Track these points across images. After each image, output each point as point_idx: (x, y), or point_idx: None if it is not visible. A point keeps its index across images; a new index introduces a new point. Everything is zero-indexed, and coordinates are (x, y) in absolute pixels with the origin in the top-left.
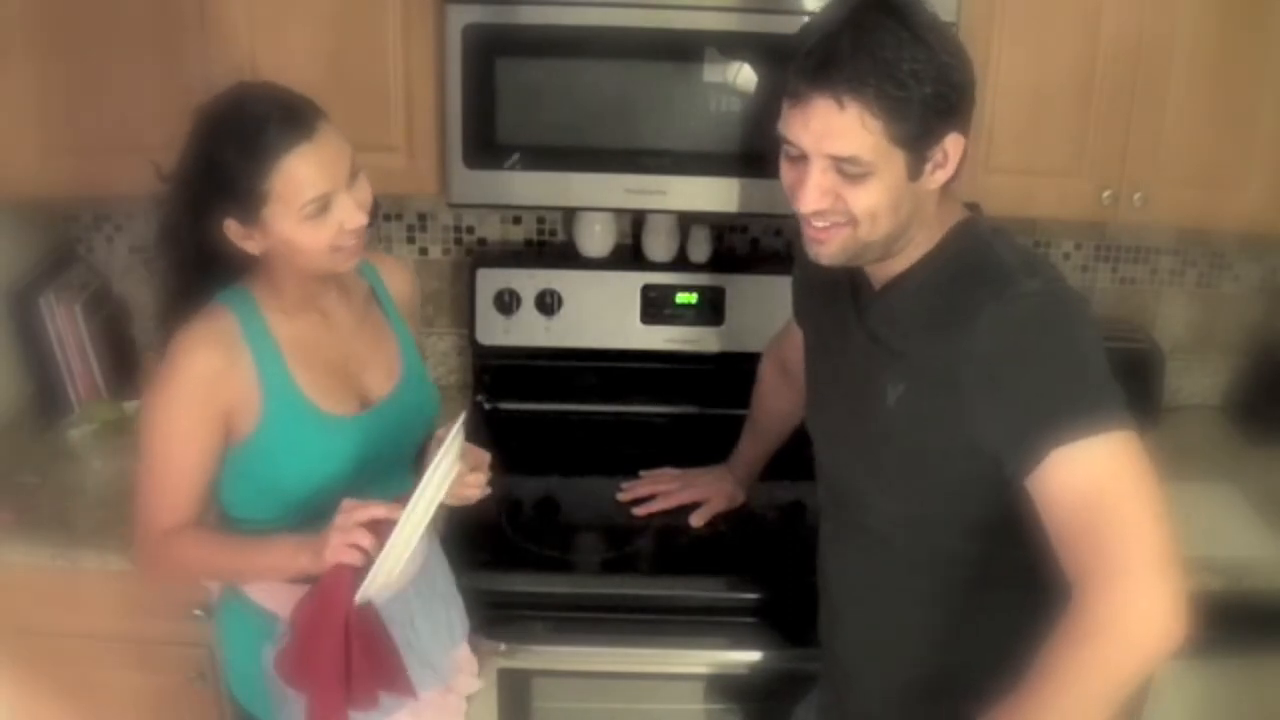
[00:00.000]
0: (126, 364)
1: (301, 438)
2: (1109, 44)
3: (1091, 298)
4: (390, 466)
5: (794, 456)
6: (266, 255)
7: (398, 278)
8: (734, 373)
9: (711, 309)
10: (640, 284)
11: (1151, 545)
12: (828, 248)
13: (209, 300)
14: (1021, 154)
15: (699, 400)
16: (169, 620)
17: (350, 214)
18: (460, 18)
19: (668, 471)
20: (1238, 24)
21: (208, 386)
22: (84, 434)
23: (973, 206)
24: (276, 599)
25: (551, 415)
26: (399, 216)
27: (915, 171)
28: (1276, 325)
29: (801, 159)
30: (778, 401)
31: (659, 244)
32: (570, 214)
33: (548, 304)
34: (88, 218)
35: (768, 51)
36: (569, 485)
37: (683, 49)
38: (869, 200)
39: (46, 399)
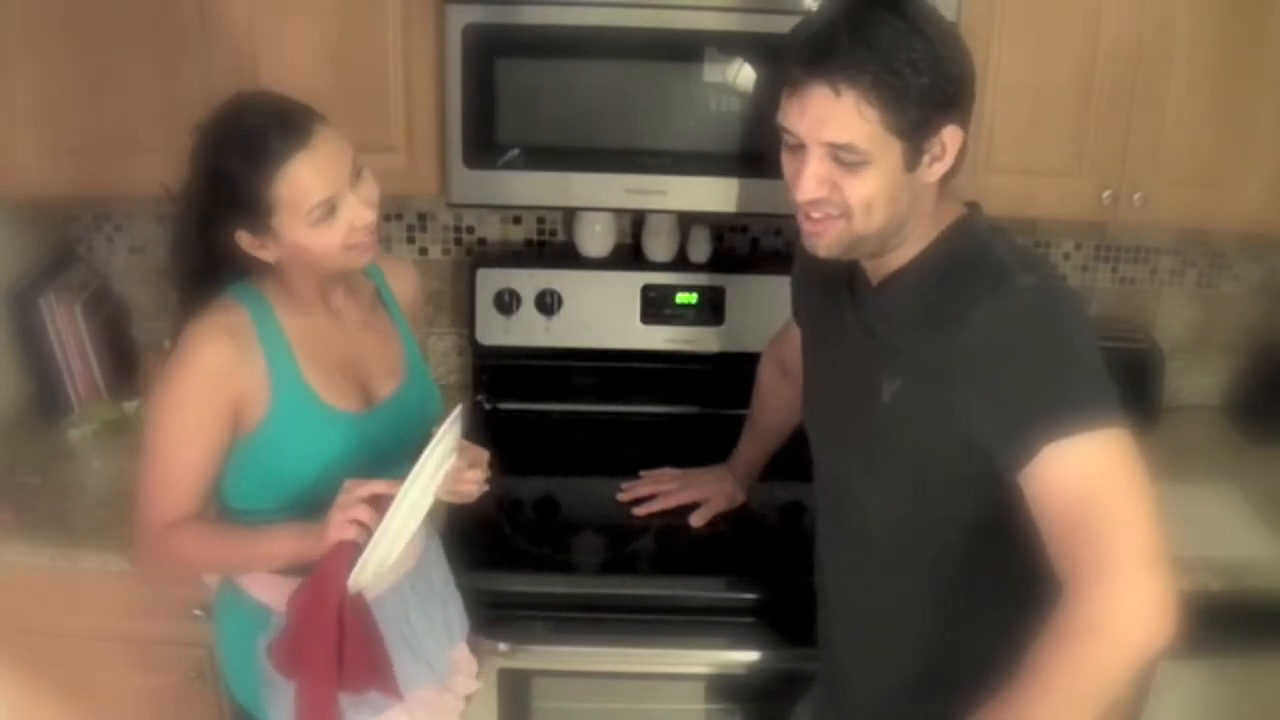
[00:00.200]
0: (126, 364)
1: (307, 431)
2: (1109, 44)
3: (1091, 298)
4: (391, 464)
5: (794, 457)
6: (282, 261)
7: (403, 279)
8: (734, 373)
9: (711, 309)
10: (640, 284)
11: (1142, 543)
12: (824, 240)
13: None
14: (1021, 154)
15: (699, 400)
16: (169, 620)
17: (358, 213)
18: (460, 18)
19: (668, 471)
20: (1238, 24)
21: (218, 378)
22: (84, 434)
23: (972, 205)
24: (271, 592)
25: (551, 415)
26: (399, 216)
27: (912, 163)
28: (1276, 325)
29: (800, 148)
30: (777, 401)
31: (659, 244)
32: (570, 214)
33: (548, 304)
34: (88, 218)
35: (768, 51)
36: (569, 485)
37: (683, 49)
38: (866, 190)
39: (46, 399)
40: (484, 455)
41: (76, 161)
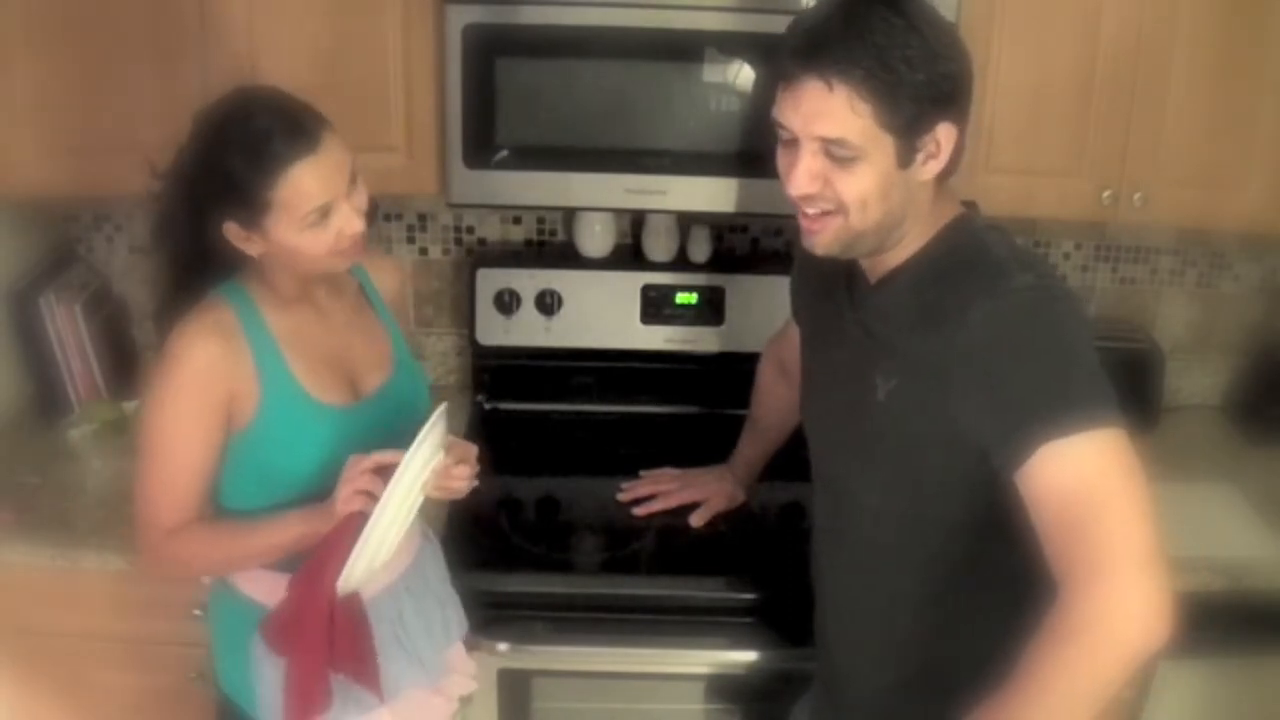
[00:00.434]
0: (126, 364)
1: (297, 427)
2: (1109, 44)
3: (1091, 298)
4: None
5: (793, 457)
6: (264, 255)
7: (385, 276)
8: (734, 373)
9: (711, 309)
10: (640, 284)
11: (1138, 543)
12: (821, 237)
13: (205, 295)
14: (1021, 154)
15: (699, 400)
16: (168, 620)
17: (349, 221)
18: (460, 18)
19: (668, 471)
20: (1238, 24)
21: (208, 376)
22: (84, 434)
23: (970, 204)
24: (262, 588)
25: (551, 415)
26: (399, 216)
27: (906, 159)
28: (1276, 325)
29: (793, 143)
30: (777, 401)
31: (659, 244)
32: (570, 214)
33: (548, 304)
34: (88, 218)
35: (767, 51)
36: (569, 485)
37: (682, 49)
38: (859, 186)
39: (46, 399)
40: (472, 450)
41: (76, 161)
